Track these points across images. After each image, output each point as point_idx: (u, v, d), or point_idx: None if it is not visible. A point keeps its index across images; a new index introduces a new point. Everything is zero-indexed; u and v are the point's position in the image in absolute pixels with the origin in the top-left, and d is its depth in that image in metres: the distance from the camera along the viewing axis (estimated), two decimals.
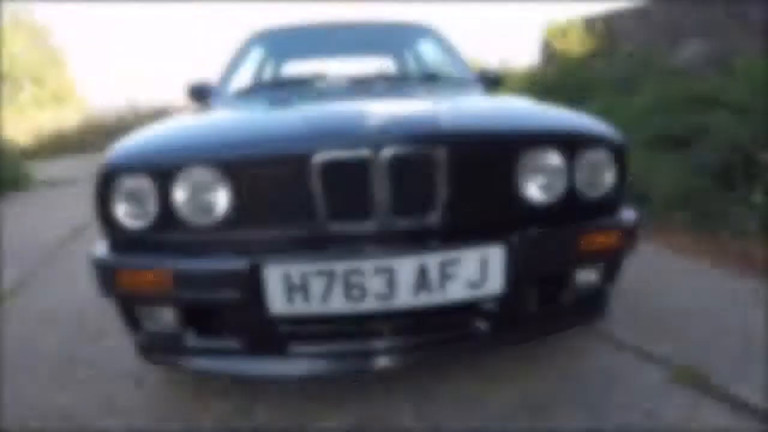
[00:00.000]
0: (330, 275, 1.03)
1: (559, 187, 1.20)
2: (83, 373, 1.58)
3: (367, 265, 1.03)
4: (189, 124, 1.61)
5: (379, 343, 1.17)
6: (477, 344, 1.22)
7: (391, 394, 1.35)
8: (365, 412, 1.28)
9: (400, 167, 1.06)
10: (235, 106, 1.89)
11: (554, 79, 6.56)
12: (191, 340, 1.23)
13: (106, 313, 2.00)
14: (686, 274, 2.23)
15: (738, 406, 1.27)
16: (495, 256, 1.07)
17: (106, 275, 1.18)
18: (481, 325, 1.20)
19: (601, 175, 1.27)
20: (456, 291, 1.07)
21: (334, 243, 1.10)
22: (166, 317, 1.24)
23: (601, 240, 1.23)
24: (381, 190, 1.07)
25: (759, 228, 2.54)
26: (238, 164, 1.11)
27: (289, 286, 1.04)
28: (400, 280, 1.03)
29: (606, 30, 7.08)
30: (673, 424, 1.21)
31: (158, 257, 1.15)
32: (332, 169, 1.06)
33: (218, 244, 1.15)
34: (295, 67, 2.80)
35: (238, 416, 1.29)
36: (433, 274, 1.04)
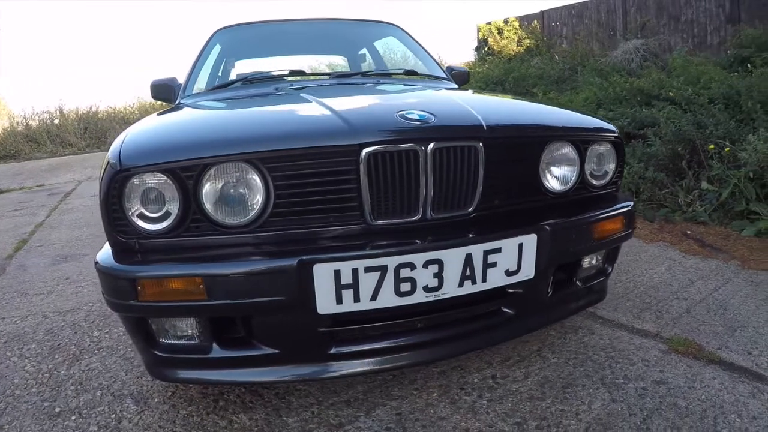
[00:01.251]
0: (381, 270, 1.04)
1: (573, 177, 1.33)
2: (75, 398, 1.49)
3: (418, 258, 1.05)
4: (195, 117, 1.54)
5: (418, 337, 1.20)
6: (508, 331, 1.31)
7: (421, 387, 1.41)
8: (402, 407, 1.32)
9: (442, 161, 1.11)
10: (222, 101, 1.83)
11: (494, 75, 6.91)
12: (218, 351, 1.17)
13: (78, 330, 1.92)
14: (651, 257, 2.47)
15: (735, 369, 1.46)
16: (529, 243, 1.15)
17: (124, 287, 1.08)
18: (510, 312, 1.30)
19: (605, 166, 1.42)
20: (496, 279, 1.14)
21: (378, 237, 1.11)
22: (189, 329, 1.19)
23: (610, 226, 1.36)
24: (425, 183, 1.10)
25: (708, 213, 2.86)
26: (279, 158, 1.08)
27: (339, 285, 1.04)
28: (449, 271, 1.07)
29: (541, 28, 7.57)
30: (680, 387, 1.37)
31: (189, 263, 1.08)
32: (379, 162, 1.08)
33: (252, 244, 1.11)
34: (263, 63, 2.79)
35: (270, 428, 1.27)
36: (478, 263, 1.09)
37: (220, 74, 2.51)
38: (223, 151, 1.09)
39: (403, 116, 1.14)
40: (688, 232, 2.81)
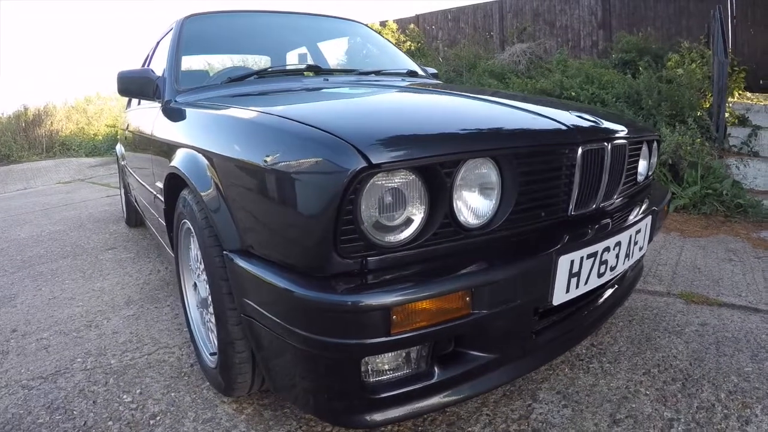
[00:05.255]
0: (594, 256, 1.23)
1: (646, 169, 1.81)
2: None
3: (612, 242, 1.29)
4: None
5: (591, 314, 1.50)
6: (617, 303, 1.71)
7: (550, 366, 1.66)
8: (556, 386, 1.64)
9: (612, 157, 1.41)
10: (286, 94, 1.82)
11: None
12: (440, 374, 1.12)
13: (94, 397, 1.62)
14: None
15: (738, 308, 2.10)
16: (648, 224, 1.59)
17: (372, 321, 0.94)
18: (616, 285, 1.72)
19: (653, 160, 1.94)
20: (635, 254, 1.52)
21: (574, 227, 1.30)
22: (400, 358, 1.13)
23: (665, 207, 1.88)
24: (605, 176, 1.39)
25: None
26: (524, 155, 1.16)
27: (571, 273, 1.18)
28: (622, 251, 1.39)
29: (418, 31, 8.34)
30: (717, 325, 1.95)
31: (447, 276, 1.01)
32: (586, 159, 1.30)
33: (491, 246, 1.14)
34: (240, 54, 2.82)
35: None
36: (632, 242, 1.45)
37: (205, 67, 2.50)
38: (479, 145, 1.10)
39: (581, 117, 1.43)
40: None
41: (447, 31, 8.25)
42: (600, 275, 1.34)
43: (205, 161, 1.39)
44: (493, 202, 1.15)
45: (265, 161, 1.09)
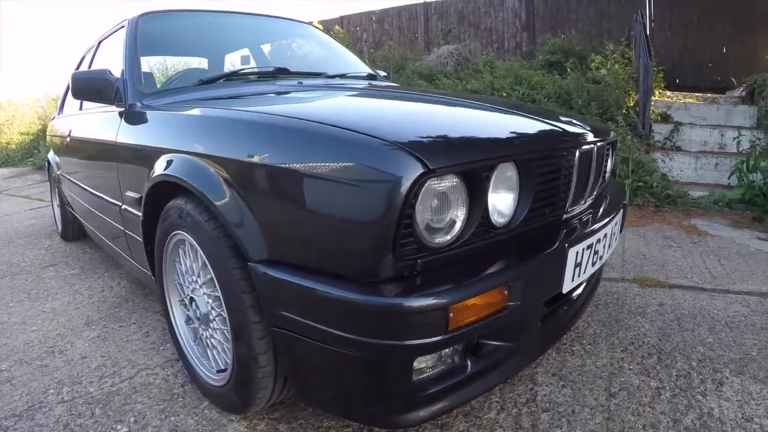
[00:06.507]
0: (591, 247, 1.39)
1: (611, 167, 2.02)
2: None
3: (601, 234, 1.45)
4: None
5: (578, 300, 1.66)
6: (593, 291, 1.88)
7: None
8: (551, 370, 1.78)
9: (597, 158, 1.58)
10: (267, 97, 1.82)
11: None
12: (473, 366, 1.21)
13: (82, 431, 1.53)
14: None
15: (687, 288, 2.38)
16: (621, 217, 1.79)
17: (433, 321, 1.00)
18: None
19: (614, 159, 2.15)
20: (612, 244, 1.72)
21: (569, 223, 1.45)
22: (435, 355, 1.19)
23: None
24: (593, 175, 1.56)
25: None
26: (538, 159, 1.27)
27: (575, 263, 1.32)
28: (606, 241, 1.56)
29: (343, 33, 8.41)
30: (673, 304, 2.20)
31: (494, 272, 1.12)
32: (581, 161, 1.44)
33: (511, 244, 1.25)
34: (195, 54, 2.76)
35: (495, 428, 1.50)
36: (613, 232, 1.63)
37: (168, 68, 2.43)
38: (511, 149, 1.22)
39: (571, 123, 1.59)
40: None
41: (372, 33, 8.40)
42: (593, 264, 1.51)
43: (215, 168, 1.33)
44: (514, 202, 1.26)
45: (307, 168, 1.09)
